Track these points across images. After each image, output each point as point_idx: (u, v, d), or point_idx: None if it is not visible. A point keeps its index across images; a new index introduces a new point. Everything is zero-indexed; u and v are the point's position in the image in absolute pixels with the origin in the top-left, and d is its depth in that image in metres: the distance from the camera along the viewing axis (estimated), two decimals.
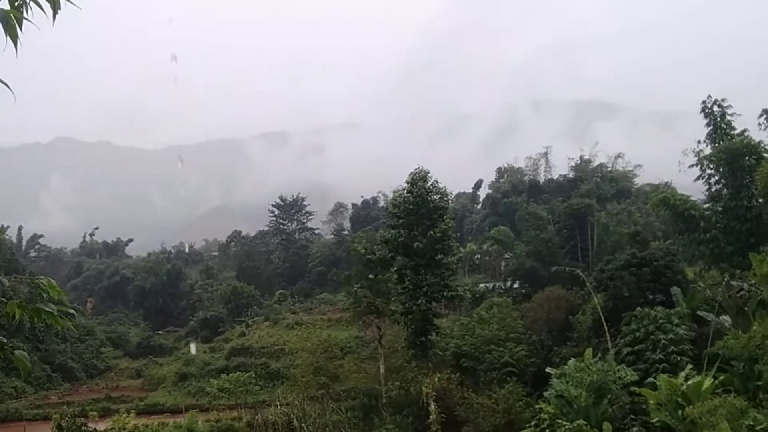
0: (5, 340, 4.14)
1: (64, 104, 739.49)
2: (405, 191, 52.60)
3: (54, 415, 43.62)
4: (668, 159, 61.40)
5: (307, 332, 58.04)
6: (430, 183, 52.13)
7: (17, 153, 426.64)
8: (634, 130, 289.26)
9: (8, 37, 3.64)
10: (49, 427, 40.90)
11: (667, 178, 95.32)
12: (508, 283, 71.95)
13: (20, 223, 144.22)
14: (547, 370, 42.43)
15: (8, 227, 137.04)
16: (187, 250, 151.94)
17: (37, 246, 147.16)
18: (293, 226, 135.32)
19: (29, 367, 4.07)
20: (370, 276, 52.69)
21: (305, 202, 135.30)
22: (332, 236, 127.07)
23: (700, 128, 53.93)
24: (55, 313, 4.20)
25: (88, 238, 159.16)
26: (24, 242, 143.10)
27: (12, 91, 3.70)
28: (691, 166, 53.47)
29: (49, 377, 72.22)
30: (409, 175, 52.68)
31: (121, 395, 66.06)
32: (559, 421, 26.56)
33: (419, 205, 51.05)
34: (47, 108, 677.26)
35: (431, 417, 43.15)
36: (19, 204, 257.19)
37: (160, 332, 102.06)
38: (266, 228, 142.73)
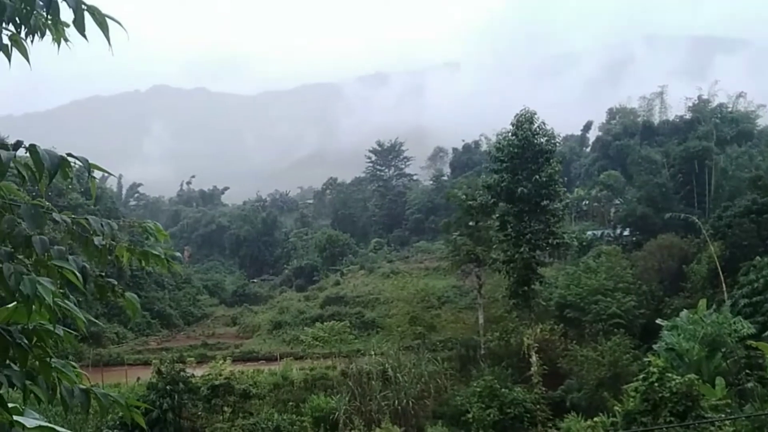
0: (116, 283, 4.22)
1: (160, 52, 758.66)
2: (510, 134, 50.75)
3: (154, 360, 44.50)
4: None
5: (403, 281, 57.34)
6: (536, 125, 50.20)
7: (116, 101, 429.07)
8: (757, 68, 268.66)
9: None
10: (149, 371, 41.74)
11: None
12: (618, 231, 71.24)
13: (120, 172, 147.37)
14: (658, 321, 40.99)
15: (120, 176, 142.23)
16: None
17: (136, 195, 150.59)
18: (390, 172, 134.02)
19: (139, 308, 4.23)
20: (471, 223, 52.15)
21: (403, 147, 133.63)
22: (431, 182, 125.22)
23: None
24: (163, 257, 4.12)
25: (185, 187, 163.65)
26: (124, 191, 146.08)
27: (125, 29, 3.72)
28: None
29: (148, 324, 73.61)
30: (515, 116, 50.90)
31: (217, 342, 66.71)
32: (669, 374, 25.15)
33: (524, 148, 49.35)
34: (144, 56, 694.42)
35: (532, 369, 42.32)
36: (118, 152, 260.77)
37: (255, 280, 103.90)
38: (362, 174, 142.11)
